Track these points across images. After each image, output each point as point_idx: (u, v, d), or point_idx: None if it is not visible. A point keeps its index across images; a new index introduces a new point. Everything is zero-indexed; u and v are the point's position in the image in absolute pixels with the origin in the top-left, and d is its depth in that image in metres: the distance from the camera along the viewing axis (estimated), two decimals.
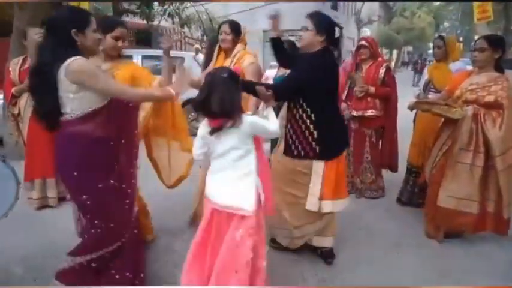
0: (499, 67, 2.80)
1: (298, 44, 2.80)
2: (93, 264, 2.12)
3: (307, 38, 2.42)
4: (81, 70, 1.85)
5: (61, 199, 3.71)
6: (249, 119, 1.92)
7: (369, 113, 3.73)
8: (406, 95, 3.87)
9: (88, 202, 2.01)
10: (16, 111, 3.55)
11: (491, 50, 2.73)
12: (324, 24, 2.41)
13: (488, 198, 2.77)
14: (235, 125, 1.86)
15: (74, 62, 1.84)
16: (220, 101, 1.81)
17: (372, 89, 3.67)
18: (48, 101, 1.93)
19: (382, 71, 3.70)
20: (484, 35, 2.96)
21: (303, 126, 2.42)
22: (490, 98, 2.69)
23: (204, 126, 1.96)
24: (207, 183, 2.02)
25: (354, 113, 3.78)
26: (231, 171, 1.94)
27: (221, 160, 1.95)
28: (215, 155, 1.97)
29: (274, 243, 2.77)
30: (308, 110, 2.39)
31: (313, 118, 2.39)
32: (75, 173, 1.98)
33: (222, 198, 1.94)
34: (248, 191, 1.93)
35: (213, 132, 1.88)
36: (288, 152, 2.51)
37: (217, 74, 1.91)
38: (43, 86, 1.91)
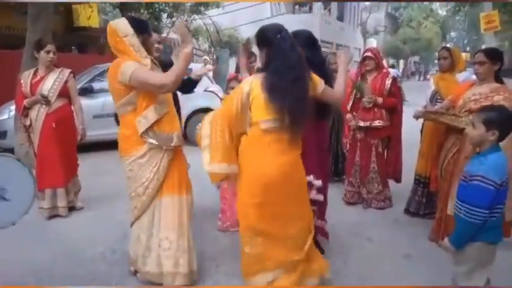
0: (498, 78, 2.89)
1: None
2: None
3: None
4: None
5: (71, 208, 3.75)
6: None
7: (376, 123, 3.75)
8: (415, 105, 3.89)
9: None
10: (28, 123, 3.60)
11: (490, 63, 2.82)
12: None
13: None
14: None
15: None
16: None
17: (380, 100, 3.69)
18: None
19: (388, 81, 3.73)
20: (482, 48, 3.05)
21: None
22: None
23: None
24: None
25: (361, 124, 3.79)
26: None
27: None
28: None
29: None
30: None
31: None
32: None
33: None
34: None
35: None
36: None
37: None
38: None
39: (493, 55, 2.85)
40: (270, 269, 2.24)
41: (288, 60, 2.13)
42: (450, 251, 1.93)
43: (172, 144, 2.36)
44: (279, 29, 2.23)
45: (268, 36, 2.21)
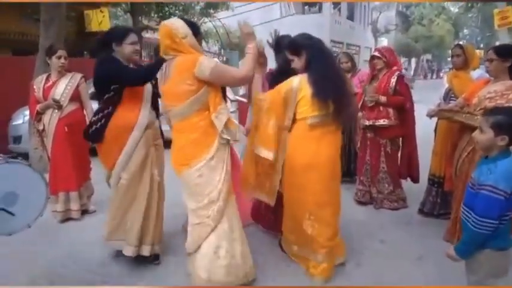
0: None
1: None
2: None
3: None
4: None
5: (84, 212, 3.79)
6: None
7: (381, 122, 3.70)
8: (426, 102, 3.82)
9: None
10: (41, 127, 3.65)
11: (500, 60, 2.75)
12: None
13: None
14: None
15: None
16: None
17: (383, 99, 3.66)
18: None
19: (393, 80, 3.67)
20: (495, 46, 2.98)
21: None
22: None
23: None
24: None
25: (366, 122, 3.79)
26: None
27: None
28: None
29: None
30: None
31: None
32: None
33: None
34: None
35: None
36: None
37: None
38: None
39: (503, 52, 2.78)
40: (319, 251, 2.53)
41: (328, 59, 2.51)
42: (458, 260, 1.84)
43: (237, 139, 2.40)
44: (308, 35, 2.56)
45: (303, 43, 2.50)
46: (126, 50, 2.60)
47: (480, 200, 1.70)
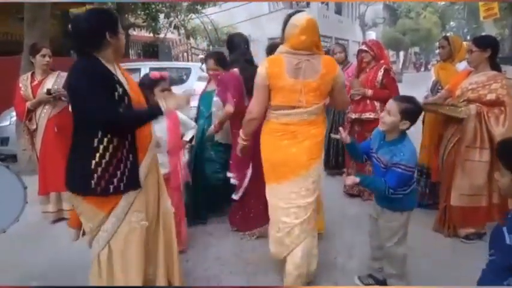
0: (496, 65, 2.85)
1: None
2: None
3: None
4: None
5: None
6: None
7: (367, 115, 3.74)
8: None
9: None
10: (34, 127, 3.57)
11: (480, 51, 2.79)
12: None
13: (494, 189, 2.85)
14: None
15: None
16: None
17: (369, 92, 3.69)
18: None
19: (380, 73, 3.70)
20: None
21: None
22: (491, 96, 2.75)
23: None
24: None
25: (352, 116, 3.83)
26: None
27: None
28: None
29: None
30: None
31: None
32: None
33: None
34: None
35: None
36: None
37: None
38: None
39: (482, 43, 2.83)
40: None
41: None
42: (355, 183, 2.08)
43: None
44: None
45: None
46: (121, 42, 1.92)
47: (393, 175, 2.03)
